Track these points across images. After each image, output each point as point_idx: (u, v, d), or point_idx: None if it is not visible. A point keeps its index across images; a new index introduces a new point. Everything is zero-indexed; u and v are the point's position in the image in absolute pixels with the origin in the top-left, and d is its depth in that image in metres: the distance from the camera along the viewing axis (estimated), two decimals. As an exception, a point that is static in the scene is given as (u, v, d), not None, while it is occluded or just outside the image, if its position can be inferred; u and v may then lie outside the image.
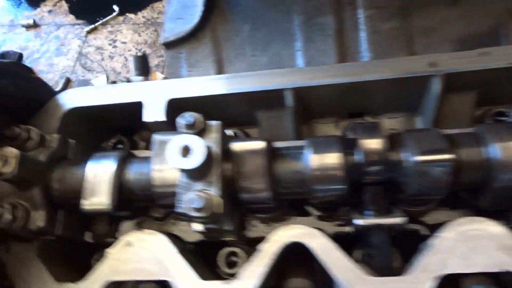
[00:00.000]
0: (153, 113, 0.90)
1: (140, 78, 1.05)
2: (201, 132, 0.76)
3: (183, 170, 0.70)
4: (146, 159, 0.83)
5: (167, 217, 0.91)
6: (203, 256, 0.88)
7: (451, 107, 0.90)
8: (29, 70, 0.95)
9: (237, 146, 0.74)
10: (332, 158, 0.72)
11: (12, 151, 0.75)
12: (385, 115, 0.97)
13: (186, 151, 0.70)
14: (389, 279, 0.70)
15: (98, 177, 0.79)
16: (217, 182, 0.72)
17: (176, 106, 0.92)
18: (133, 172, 0.80)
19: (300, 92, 0.87)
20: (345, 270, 0.71)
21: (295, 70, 0.87)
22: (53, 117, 0.94)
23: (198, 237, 0.89)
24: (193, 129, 0.75)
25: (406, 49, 0.94)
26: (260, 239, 0.88)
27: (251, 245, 0.90)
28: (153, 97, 0.90)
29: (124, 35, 3.63)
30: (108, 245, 0.91)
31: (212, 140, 0.74)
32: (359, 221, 0.74)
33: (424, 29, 0.95)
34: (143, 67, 1.10)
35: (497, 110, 0.95)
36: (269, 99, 0.90)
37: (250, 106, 0.93)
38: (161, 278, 0.76)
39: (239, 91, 0.87)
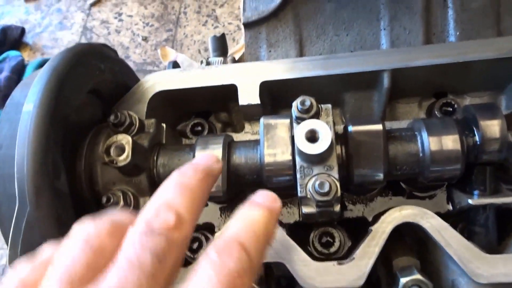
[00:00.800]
0: (248, 96, 0.89)
1: (220, 59, 1.04)
2: (314, 115, 0.76)
3: (307, 155, 0.71)
4: (251, 143, 0.83)
5: (262, 199, 0.91)
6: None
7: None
8: (116, 52, 0.93)
9: (354, 129, 0.74)
10: (450, 140, 0.73)
11: (127, 139, 0.75)
12: (470, 94, 0.97)
13: (312, 135, 0.70)
14: (508, 256, 0.72)
15: (208, 162, 0.79)
16: (336, 166, 0.73)
17: (266, 89, 0.91)
18: (241, 157, 0.81)
19: (397, 73, 0.87)
20: (462, 248, 0.73)
21: (393, 51, 0.87)
22: (141, 101, 0.93)
23: (292, 219, 0.91)
24: (309, 113, 0.75)
25: (495, 27, 0.94)
26: (353, 220, 0.91)
27: (342, 226, 0.93)
28: (246, 80, 0.89)
29: (129, 8, 3.55)
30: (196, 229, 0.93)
31: (328, 123, 0.74)
32: (473, 201, 0.76)
33: None
34: (222, 48, 1.08)
35: None
36: (364, 81, 0.90)
37: (341, 88, 0.93)
38: (275, 260, 0.78)
39: (337, 73, 0.87)
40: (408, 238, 0.88)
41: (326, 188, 0.69)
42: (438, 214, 0.76)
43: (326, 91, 0.93)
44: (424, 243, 0.85)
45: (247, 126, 0.96)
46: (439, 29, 0.97)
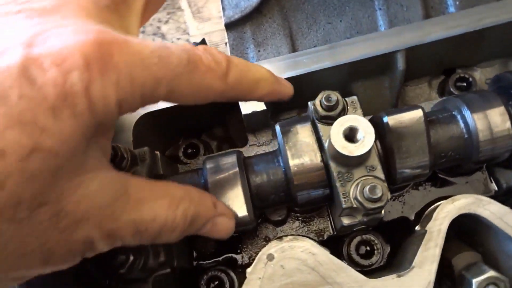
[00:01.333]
0: (250, 103, 0.77)
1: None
2: (341, 112, 0.65)
3: (346, 158, 0.60)
4: (269, 155, 0.71)
5: (287, 219, 0.79)
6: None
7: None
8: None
9: (391, 118, 0.64)
10: (497, 114, 0.65)
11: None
12: (480, 65, 0.91)
13: (352, 134, 0.59)
14: None
15: (226, 188, 0.66)
16: (379, 165, 0.63)
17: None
18: (262, 174, 0.68)
19: (411, 53, 0.78)
20: (531, 233, 0.64)
21: (403, 29, 0.78)
22: (123, 129, 0.79)
23: (325, 235, 0.79)
24: (335, 109, 0.65)
25: (494, -7, 0.88)
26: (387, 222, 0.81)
27: (376, 230, 0.82)
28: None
29: None
30: (214, 265, 0.80)
31: (362, 118, 0.64)
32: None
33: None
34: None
35: None
36: (375, 66, 0.81)
37: (349, 78, 0.83)
38: (323, 287, 0.66)
39: (347, 61, 0.77)
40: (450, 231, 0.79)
41: (379, 193, 0.58)
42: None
43: (332, 85, 0.83)
44: (472, 232, 0.77)
45: (252, 138, 0.84)
46: (437, 1, 0.90)
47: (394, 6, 0.89)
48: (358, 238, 0.79)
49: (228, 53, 0.89)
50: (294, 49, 0.92)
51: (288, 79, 0.77)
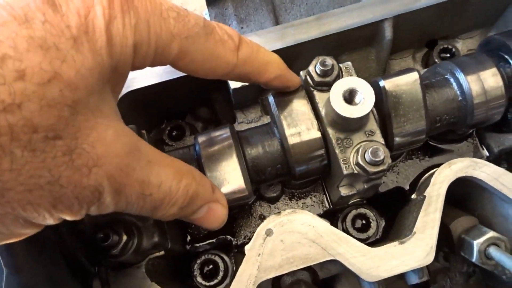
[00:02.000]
0: (239, 77, 0.74)
1: None
2: (336, 77, 0.64)
3: (345, 122, 0.58)
4: (263, 127, 0.69)
5: (281, 196, 0.77)
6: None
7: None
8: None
9: (390, 83, 0.63)
10: (490, 75, 0.65)
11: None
12: (461, 36, 0.92)
13: (351, 96, 0.58)
14: None
15: (221, 162, 0.63)
16: (378, 129, 0.61)
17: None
18: (258, 146, 0.66)
19: (398, 21, 0.77)
20: (526, 192, 0.65)
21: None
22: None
23: (322, 209, 0.77)
24: (330, 75, 0.63)
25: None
26: (381, 194, 0.80)
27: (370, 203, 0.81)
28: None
29: None
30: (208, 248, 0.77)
31: (357, 82, 0.62)
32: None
33: None
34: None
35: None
36: (363, 36, 0.80)
37: (336, 50, 0.82)
38: (325, 259, 0.64)
39: (335, 31, 0.75)
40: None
41: (381, 156, 0.57)
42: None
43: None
44: (465, 198, 0.77)
45: (240, 115, 0.81)
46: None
47: (376, -22, 0.89)
48: (353, 212, 0.78)
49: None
50: (277, 24, 0.89)
51: (276, 51, 0.74)
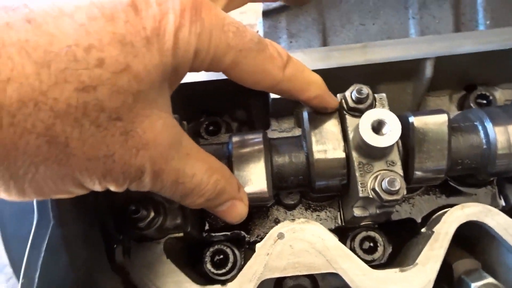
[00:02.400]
0: (280, 88, 0.79)
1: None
2: (369, 106, 0.68)
3: (370, 149, 0.62)
4: (294, 139, 0.74)
5: (298, 204, 0.82)
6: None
7: None
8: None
9: (419, 120, 0.66)
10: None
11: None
12: (501, 86, 0.93)
13: (379, 126, 0.62)
14: None
15: (249, 163, 0.69)
16: (399, 161, 0.65)
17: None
18: (285, 155, 0.71)
19: (440, 62, 0.81)
20: (532, 246, 0.67)
21: (435, 38, 0.81)
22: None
23: (333, 225, 0.81)
24: (365, 102, 0.67)
25: (525, 16, 0.91)
26: (392, 222, 0.83)
27: (380, 230, 0.85)
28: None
29: None
30: (222, 239, 0.82)
31: (389, 114, 0.66)
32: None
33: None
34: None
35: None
36: (403, 70, 0.83)
37: (375, 79, 0.86)
38: (328, 271, 0.69)
39: (377, 61, 0.80)
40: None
41: (397, 186, 0.61)
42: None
43: (358, 83, 0.86)
44: (475, 243, 0.79)
45: (274, 123, 0.87)
46: (468, 17, 0.93)
47: (427, 17, 0.92)
48: (363, 234, 0.81)
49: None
50: (325, 45, 0.94)
51: (318, 71, 0.79)
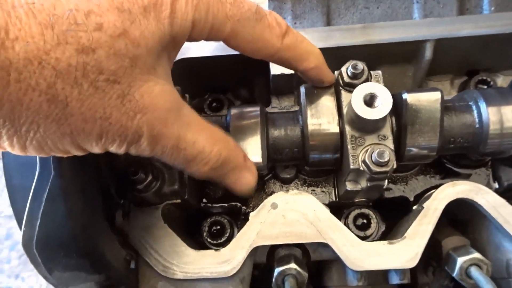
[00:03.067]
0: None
1: None
2: (365, 81, 0.70)
3: (362, 122, 0.64)
4: (290, 114, 0.76)
5: (294, 179, 0.84)
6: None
7: None
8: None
9: (412, 97, 0.68)
10: (510, 111, 0.68)
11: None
12: (504, 72, 0.94)
13: (371, 100, 0.64)
14: None
15: (246, 134, 0.71)
16: (390, 135, 0.67)
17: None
18: (281, 128, 0.73)
19: (440, 45, 0.82)
20: (520, 225, 0.68)
21: (436, 21, 0.82)
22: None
23: (327, 200, 0.83)
24: (359, 78, 0.69)
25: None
26: (386, 201, 0.84)
27: (375, 208, 0.86)
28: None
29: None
30: (220, 211, 0.85)
31: (382, 89, 0.68)
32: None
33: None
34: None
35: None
36: (403, 52, 0.85)
37: (375, 61, 0.87)
38: (318, 240, 0.71)
39: (377, 42, 0.81)
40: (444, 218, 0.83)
41: (386, 158, 0.62)
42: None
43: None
44: (466, 222, 0.80)
45: (274, 101, 0.89)
46: (473, 3, 0.94)
47: (431, 1, 0.93)
48: (357, 211, 0.83)
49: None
50: (329, 26, 0.96)
51: (320, 49, 0.82)
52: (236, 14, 0.56)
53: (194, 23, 0.53)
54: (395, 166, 0.64)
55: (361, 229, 0.83)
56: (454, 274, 0.68)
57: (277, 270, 0.70)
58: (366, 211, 0.83)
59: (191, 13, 0.52)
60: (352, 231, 0.81)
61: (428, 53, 0.82)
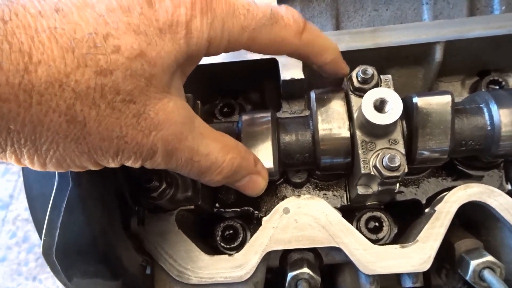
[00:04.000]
0: (290, 70, 0.82)
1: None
2: (375, 86, 0.70)
3: (373, 127, 0.65)
4: (301, 119, 0.77)
5: (306, 183, 0.85)
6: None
7: None
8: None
9: (422, 100, 0.68)
10: (523, 113, 0.68)
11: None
12: (513, 73, 0.93)
13: (381, 105, 0.64)
14: None
15: (257, 140, 0.72)
16: (401, 140, 0.67)
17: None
18: (292, 134, 0.74)
19: (450, 46, 0.81)
20: (533, 227, 0.68)
21: (446, 22, 0.82)
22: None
23: (339, 203, 0.84)
24: (369, 83, 0.69)
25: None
26: (399, 204, 0.84)
27: (387, 211, 0.86)
28: (288, 54, 0.83)
29: None
30: (232, 216, 0.86)
31: (392, 94, 0.68)
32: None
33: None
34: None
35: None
36: (413, 54, 0.85)
37: (385, 63, 0.87)
38: (331, 245, 0.71)
39: (386, 45, 0.81)
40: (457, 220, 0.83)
41: (397, 162, 0.63)
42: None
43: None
44: (479, 224, 0.80)
45: (285, 105, 0.89)
46: (483, 3, 0.93)
47: (440, 2, 0.93)
48: (369, 214, 0.84)
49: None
50: (338, 29, 0.96)
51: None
52: (251, 23, 0.58)
53: (210, 41, 0.55)
54: (406, 170, 0.64)
55: (373, 232, 0.83)
56: (467, 277, 0.68)
57: (290, 275, 0.70)
58: (378, 214, 0.84)
59: (206, 32, 0.53)
60: (364, 234, 0.82)
61: (438, 55, 0.82)
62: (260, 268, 0.73)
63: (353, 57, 0.84)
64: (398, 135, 0.67)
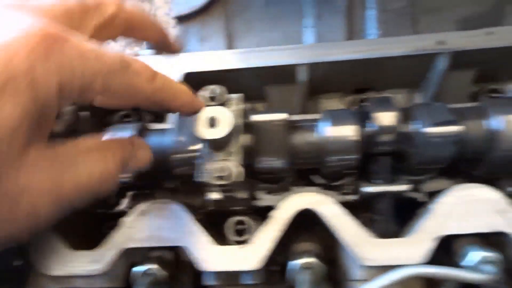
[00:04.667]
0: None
1: (151, 51, 1.06)
2: (222, 104, 0.78)
3: (207, 141, 0.73)
4: (161, 131, 0.86)
5: (179, 188, 0.93)
6: (211, 225, 0.91)
7: (451, 84, 0.95)
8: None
9: (258, 117, 0.77)
10: (349, 130, 0.76)
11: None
12: (389, 91, 1.01)
13: (213, 121, 0.73)
14: (393, 240, 0.74)
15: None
16: (237, 152, 0.76)
17: (191, 80, 0.94)
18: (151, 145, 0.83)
19: (313, 68, 0.90)
20: (352, 234, 0.75)
21: (308, 46, 0.90)
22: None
23: (209, 207, 0.92)
24: (216, 101, 0.78)
25: (412, 28, 0.98)
26: (267, 208, 0.92)
27: (258, 214, 0.94)
28: (169, 72, 0.91)
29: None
30: (118, 214, 0.94)
31: (234, 112, 0.77)
32: (368, 189, 0.80)
33: (428, 8, 0.99)
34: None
35: (492, 87, 1.00)
36: (281, 74, 0.93)
37: (260, 81, 0.96)
38: (176, 244, 0.79)
39: (256, 66, 0.90)
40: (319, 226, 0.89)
41: (222, 173, 0.71)
42: (347, 203, 0.79)
43: (251, 84, 0.97)
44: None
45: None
46: (360, 27, 1.02)
47: (321, 26, 1.01)
48: (238, 218, 0.91)
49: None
50: (231, 48, 1.05)
51: (209, 72, 0.91)
52: (103, 68, 0.54)
53: (61, 86, 0.50)
54: (235, 179, 0.72)
55: (239, 234, 0.89)
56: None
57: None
58: (243, 218, 0.89)
59: (54, 78, 0.48)
60: (228, 235, 0.88)
61: (303, 75, 0.91)
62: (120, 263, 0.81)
63: (235, 76, 0.93)
64: (233, 147, 0.75)
